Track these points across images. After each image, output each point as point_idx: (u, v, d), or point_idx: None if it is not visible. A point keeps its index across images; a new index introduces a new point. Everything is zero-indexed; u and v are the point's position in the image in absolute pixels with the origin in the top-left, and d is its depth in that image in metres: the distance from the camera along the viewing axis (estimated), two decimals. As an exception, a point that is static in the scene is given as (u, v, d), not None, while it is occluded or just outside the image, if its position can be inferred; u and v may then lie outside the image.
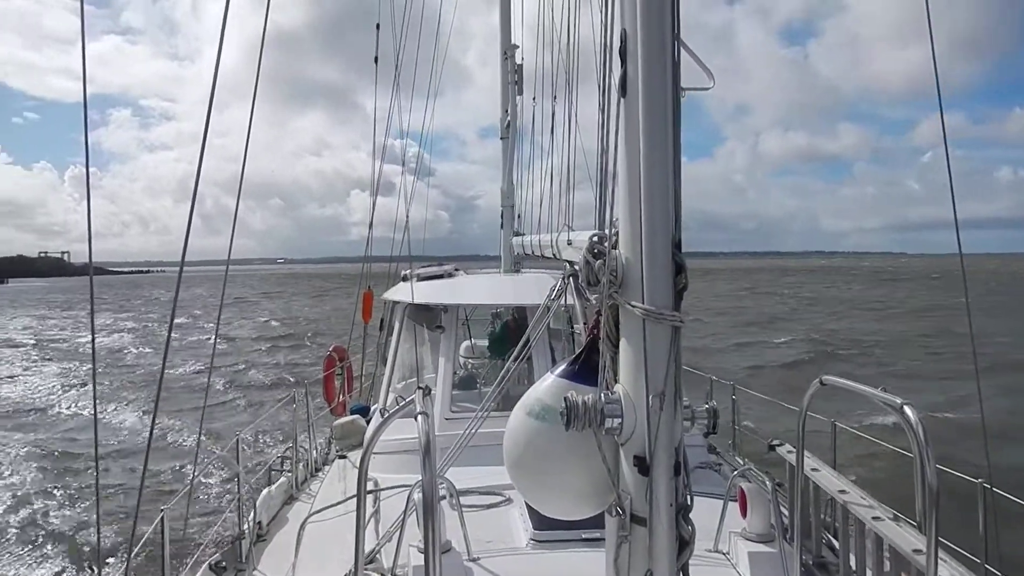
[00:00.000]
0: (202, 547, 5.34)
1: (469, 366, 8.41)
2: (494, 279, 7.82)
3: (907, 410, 2.51)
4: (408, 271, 7.12)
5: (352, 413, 7.61)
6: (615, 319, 2.04)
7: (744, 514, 3.80)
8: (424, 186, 11.02)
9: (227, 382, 23.66)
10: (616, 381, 2.05)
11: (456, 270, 7.47)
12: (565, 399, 1.98)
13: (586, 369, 2.13)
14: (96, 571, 9.35)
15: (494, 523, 4.12)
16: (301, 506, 5.95)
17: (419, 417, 2.14)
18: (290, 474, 6.71)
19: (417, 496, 2.31)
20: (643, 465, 1.92)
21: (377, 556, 3.68)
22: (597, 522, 2.15)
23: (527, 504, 3.68)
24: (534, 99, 7.85)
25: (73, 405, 21.02)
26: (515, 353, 2.95)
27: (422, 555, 2.10)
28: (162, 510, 4.28)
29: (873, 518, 3.27)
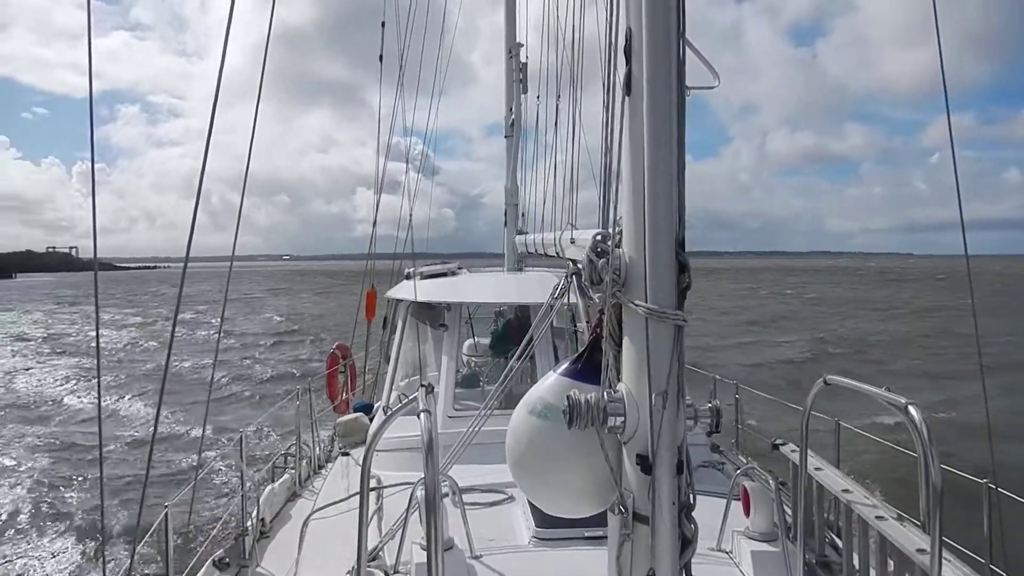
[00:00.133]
0: (206, 543, 5.36)
1: (472, 364, 8.42)
2: (497, 277, 7.82)
3: (911, 410, 2.50)
4: (412, 269, 7.12)
5: (355, 411, 7.62)
6: (618, 318, 2.04)
7: (747, 513, 3.79)
8: (429, 184, 11.03)
9: (234, 377, 23.86)
10: (619, 380, 2.05)
11: (459, 268, 7.47)
12: (568, 397, 1.98)
13: (589, 368, 2.13)
14: (100, 566, 9.39)
15: (497, 521, 4.13)
16: (304, 503, 5.97)
17: (421, 415, 2.14)
18: (293, 471, 6.73)
19: (420, 493, 2.32)
20: (646, 464, 1.92)
21: (380, 553, 3.69)
22: (600, 520, 2.15)
23: (530, 502, 3.69)
24: (538, 97, 7.85)
25: (84, 397, 21.24)
26: (518, 352, 2.95)
27: (424, 552, 2.10)
28: (166, 506, 4.30)
29: (877, 517, 3.26)
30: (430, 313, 6.71)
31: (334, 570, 3.72)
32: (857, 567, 3.53)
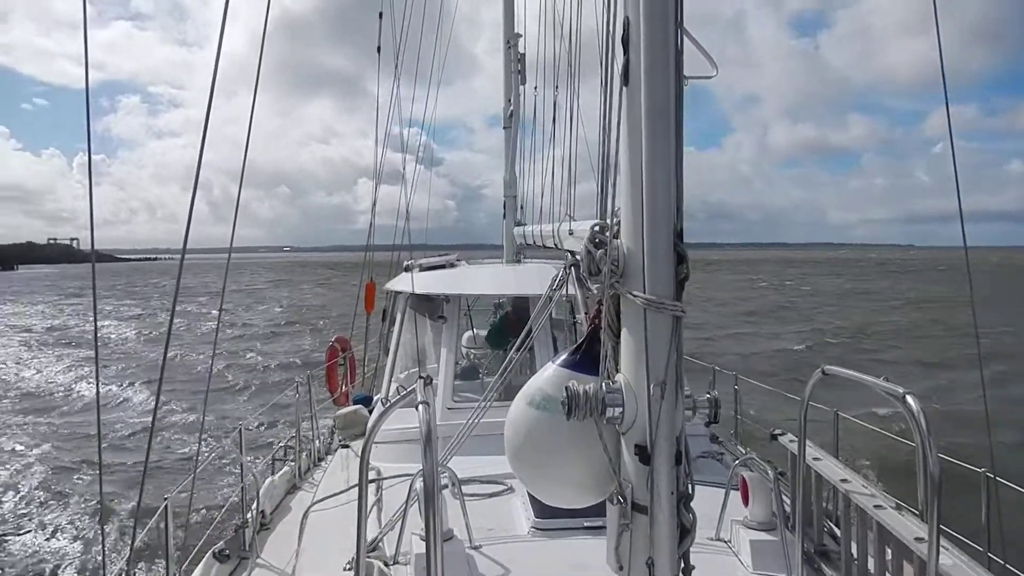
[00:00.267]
0: (206, 535, 5.38)
1: (471, 356, 8.42)
2: (496, 269, 7.82)
3: (909, 399, 2.50)
4: (410, 261, 7.12)
5: (355, 403, 7.63)
6: (616, 309, 2.04)
7: (746, 503, 3.81)
8: (429, 175, 11.01)
9: (235, 367, 23.96)
10: (617, 371, 2.05)
11: (458, 260, 7.47)
12: (566, 389, 1.98)
13: (587, 359, 2.13)
14: (100, 558, 9.43)
15: (496, 512, 4.14)
16: (304, 495, 5.99)
17: (420, 406, 2.14)
18: (293, 463, 6.75)
19: (419, 485, 2.32)
20: (644, 454, 1.92)
21: (379, 544, 3.70)
22: (599, 510, 2.15)
23: (529, 493, 3.70)
24: (536, 88, 7.83)
25: (89, 388, 21.38)
26: (517, 343, 2.96)
27: (424, 543, 2.11)
28: (165, 498, 4.31)
29: (875, 506, 3.27)
30: (429, 305, 6.71)
31: (334, 561, 3.74)
32: (855, 556, 3.55)
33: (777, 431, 4.69)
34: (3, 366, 26.94)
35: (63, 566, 9.50)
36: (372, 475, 4.30)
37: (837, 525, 3.82)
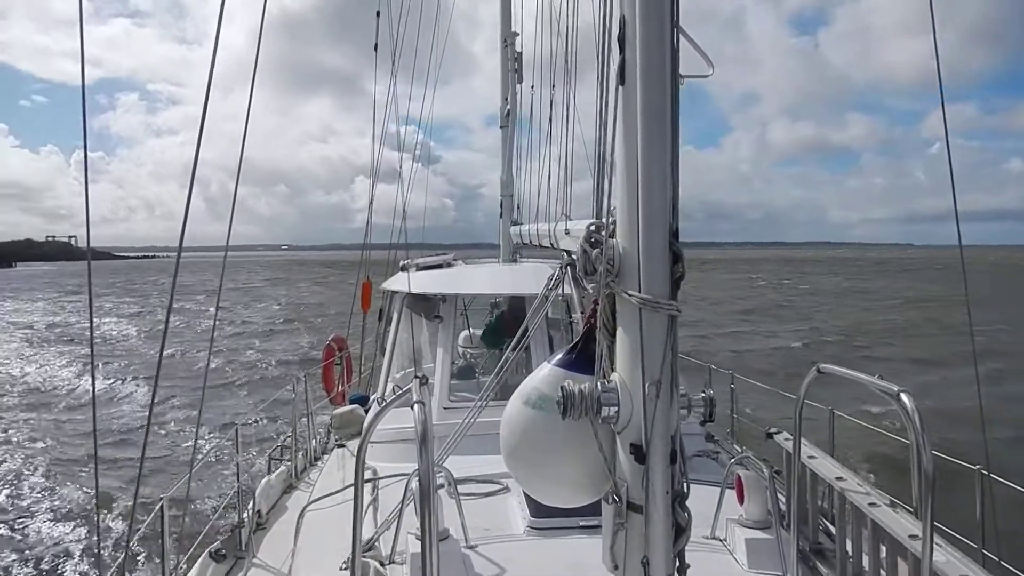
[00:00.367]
0: (202, 535, 5.37)
1: (468, 356, 8.42)
2: (492, 269, 7.81)
3: (903, 397, 2.51)
4: (407, 261, 7.11)
5: (351, 403, 7.63)
6: (612, 308, 2.04)
7: (741, 501, 3.82)
8: (426, 174, 11.00)
9: (233, 365, 24.01)
10: (613, 370, 2.05)
11: (455, 260, 7.46)
12: (562, 388, 1.98)
13: (583, 358, 2.14)
14: (96, 558, 9.40)
15: (492, 511, 4.14)
16: (300, 495, 5.98)
17: (415, 406, 2.14)
18: (289, 463, 6.74)
19: (415, 484, 2.32)
20: (639, 453, 1.93)
21: (375, 544, 3.70)
22: (594, 509, 2.16)
23: (525, 492, 3.70)
24: (532, 87, 7.82)
25: (96, 382, 21.40)
26: (513, 343, 2.96)
27: (420, 542, 2.11)
28: (161, 498, 4.31)
29: (870, 504, 3.28)
30: (425, 305, 6.70)
31: (330, 561, 3.74)
32: (850, 554, 3.56)
33: (773, 430, 4.70)
34: (6, 361, 27.02)
35: (60, 566, 9.48)
36: (368, 475, 4.29)
37: (832, 523, 3.83)
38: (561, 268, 2.52)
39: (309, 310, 43.79)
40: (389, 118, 8.33)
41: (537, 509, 3.89)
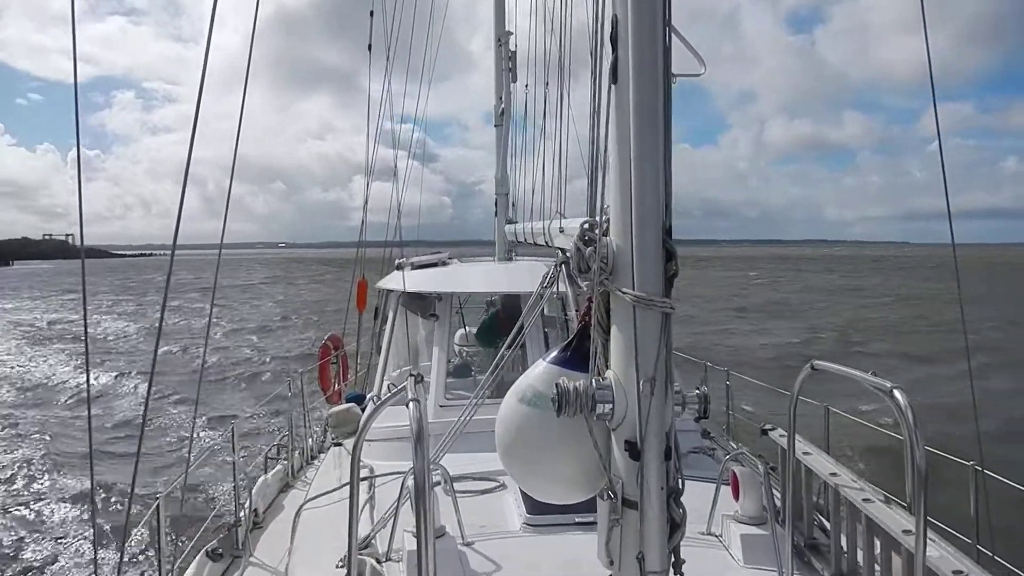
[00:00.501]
0: (198, 534, 5.36)
1: (464, 354, 8.42)
2: (488, 267, 7.82)
3: (897, 394, 2.52)
4: (402, 259, 7.11)
5: (347, 401, 7.62)
6: (606, 306, 2.05)
7: (736, 497, 3.83)
8: (422, 171, 11.00)
9: (229, 363, 24.01)
10: (607, 367, 2.06)
11: (450, 258, 7.46)
12: (556, 385, 1.99)
13: (577, 356, 2.14)
14: (92, 557, 9.39)
15: (488, 508, 4.15)
16: (297, 493, 5.98)
17: (410, 404, 2.15)
18: (286, 462, 6.73)
19: (411, 482, 2.33)
20: (634, 450, 1.94)
21: (372, 542, 3.71)
22: (590, 506, 2.17)
23: (521, 489, 3.71)
24: (527, 86, 7.83)
25: (94, 380, 21.38)
26: (508, 340, 2.96)
27: (416, 540, 2.12)
28: (157, 497, 4.30)
29: (864, 500, 3.30)
30: (421, 303, 6.71)
31: (326, 559, 3.74)
32: (845, 549, 3.58)
33: (768, 426, 4.71)
34: (7, 357, 26.99)
35: (57, 565, 9.46)
36: (364, 473, 4.29)
37: (827, 518, 3.85)
38: (556, 266, 2.53)
39: (307, 308, 43.81)
40: (384, 116, 8.33)
41: (533, 506, 3.90)
